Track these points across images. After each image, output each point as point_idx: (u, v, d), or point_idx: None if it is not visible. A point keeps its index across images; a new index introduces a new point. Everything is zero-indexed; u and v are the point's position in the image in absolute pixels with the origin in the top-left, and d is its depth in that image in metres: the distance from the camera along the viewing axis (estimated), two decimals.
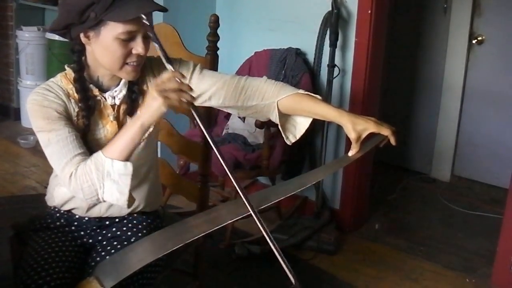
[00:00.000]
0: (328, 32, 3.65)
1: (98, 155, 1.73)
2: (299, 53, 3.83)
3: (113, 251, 1.93)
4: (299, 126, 2.02)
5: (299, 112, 1.98)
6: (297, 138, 2.04)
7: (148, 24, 1.74)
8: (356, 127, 1.88)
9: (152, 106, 1.66)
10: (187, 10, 4.03)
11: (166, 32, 2.45)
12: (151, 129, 1.76)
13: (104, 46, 1.78)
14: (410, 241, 3.83)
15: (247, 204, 1.66)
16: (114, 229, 2.03)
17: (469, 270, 3.51)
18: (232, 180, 1.69)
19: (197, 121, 1.72)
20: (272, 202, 1.90)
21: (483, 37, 4.58)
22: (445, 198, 4.52)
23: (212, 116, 2.50)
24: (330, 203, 3.93)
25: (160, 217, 2.22)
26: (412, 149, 5.04)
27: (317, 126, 3.85)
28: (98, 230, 2.05)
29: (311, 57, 3.82)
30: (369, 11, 3.56)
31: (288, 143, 2.04)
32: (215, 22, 2.35)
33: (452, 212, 4.32)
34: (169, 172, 2.53)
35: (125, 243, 1.95)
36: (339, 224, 3.84)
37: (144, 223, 2.08)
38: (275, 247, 1.64)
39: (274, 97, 1.94)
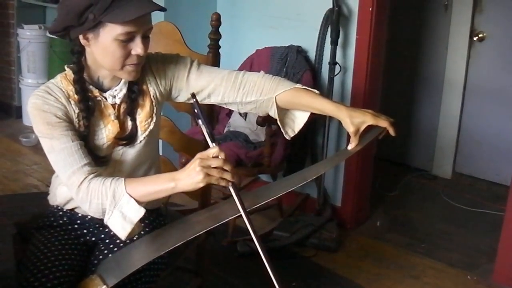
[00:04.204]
0: (329, 29, 3.66)
1: (121, 185, 1.71)
2: (300, 51, 3.83)
3: (115, 249, 1.93)
4: (298, 120, 2.03)
5: (297, 106, 1.99)
6: (296, 132, 2.04)
7: (197, 105, 1.73)
8: (354, 121, 1.88)
9: (192, 178, 1.64)
10: (189, 8, 4.03)
11: (168, 30, 2.46)
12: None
13: (104, 48, 1.78)
14: (412, 238, 3.83)
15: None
16: None
17: (471, 267, 3.51)
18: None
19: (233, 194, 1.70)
20: (273, 198, 1.91)
21: (484, 34, 4.58)
22: (447, 195, 4.52)
23: (214, 114, 2.50)
24: (331, 200, 3.94)
25: (163, 215, 2.22)
26: (413, 146, 5.04)
27: (319, 124, 3.85)
28: (100, 228, 2.05)
29: (312, 54, 3.82)
30: (370, 9, 3.56)
31: (287, 137, 2.05)
32: (216, 21, 2.36)
33: (453, 209, 4.32)
34: (171, 169, 2.53)
35: (128, 241, 1.95)
36: (340, 221, 3.85)
37: (147, 221, 2.09)
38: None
39: (272, 92, 1.96)
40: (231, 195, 1.69)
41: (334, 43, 3.61)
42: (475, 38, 4.60)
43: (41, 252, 1.92)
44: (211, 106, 2.40)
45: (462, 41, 4.63)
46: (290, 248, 3.55)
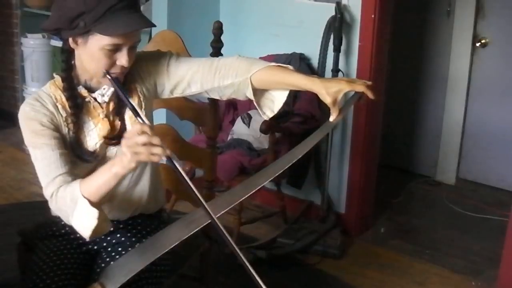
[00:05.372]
0: (332, 37, 3.66)
1: (76, 188, 1.74)
2: (303, 58, 3.84)
3: (117, 256, 1.94)
4: (276, 101, 2.01)
5: (273, 85, 1.97)
6: (275, 112, 2.02)
7: (116, 84, 1.79)
8: (329, 91, 1.84)
9: (123, 161, 1.66)
10: (191, 16, 4.03)
11: (170, 39, 2.46)
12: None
13: (90, 54, 1.80)
14: (416, 244, 3.83)
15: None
16: (118, 235, 2.04)
17: (475, 273, 3.50)
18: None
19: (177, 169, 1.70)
20: (263, 184, 1.89)
21: (487, 40, 4.58)
22: (450, 201, 4.51)
23: (217, 122, 2.50)
24: (335, 207, 3.93)
25: (165, 222, 2.22)
26: (417, 152, 5.04)
27: None
28: (102, 237, 2.05)
29: (315, 62, 3.82)
30: (373, 16, 3.57)
31: (266, 118, 2.03)
32: (218, 29, 2.36)
33: (457, 215, 4.31)
34: (175, 178, 2.54)
35: (130, 248, 1.96)
36: (344, 228, 3.84)
37: (148, 229, 2.10)
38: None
39: (247, 73, 1.94)
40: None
41: (337, 50, 3.62)
42: (478, 44, 4.60)
43: (44, 262, 1.93)
44: (215, 113, 2.40)
45: (465, 47, 4.63)
46: (294, 255, 3.54)
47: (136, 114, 1.71)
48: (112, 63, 1.81)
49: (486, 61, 4.62)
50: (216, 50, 2.37)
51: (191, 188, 1.69)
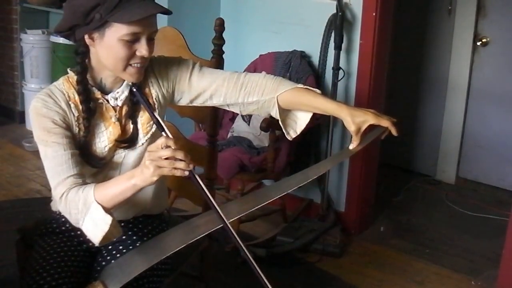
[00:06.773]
0: (332, 34, 3.65)
1: (90, 193, 1.73)
2: (304, 56, 3.83)
3: (118, 255, 1.92)
4: (300, 121, 2.02)
5: (298, 106, 1.98)
6: (298, 133, 2.04)
7: (140, 96, 1.81)
8: (355, 120, 1.87)
9: (144, 174, 1.65)
10: (192, 13, 4.03)
11: (172, 36, 2.45)
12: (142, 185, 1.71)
13: (108, 47, 1.78)
14: (415, 243, 3.82)
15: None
16: None
17: (475, 272, 3.50)
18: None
19: (200, 186, 1.70)
20: (275, 198, 1.90)
21: (488, 39, 4.57)
22: (450, 200, 4.51)
23: (218, 119, 2.50)
24: (335, 205, 3.93)
25: (166, 220, 2.21)
26: (417, 151, 5.03)
27: (323, 128, 3.85)
28: None
29: (316, 59, 3.82)
30: (374, 14, 3.56)
31: (289, 138, 2.04)
32: (220, 26, 2.35)
33: (457, 214, 4.31)
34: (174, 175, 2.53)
35: (131, 247, 1.95)
36: (344, 226, 3.84)
37: (150, 227, 2.09)
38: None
39: (274, 92, 1.95)
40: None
41: (338, 48, 3.61)
42: (478, 43, 4.59)
43: (44, 259, 1.92)
44: (215, 111, 2.40)
45: (465, 46, 4.62)
46: (294, 253, 3.54)
47: (161, 128, 1.70)
48: (132, 54, 1.79)
49: (487, 60, 4.61)
50: (218, 47, 2.36)
51: (211, 200, 1.70)
